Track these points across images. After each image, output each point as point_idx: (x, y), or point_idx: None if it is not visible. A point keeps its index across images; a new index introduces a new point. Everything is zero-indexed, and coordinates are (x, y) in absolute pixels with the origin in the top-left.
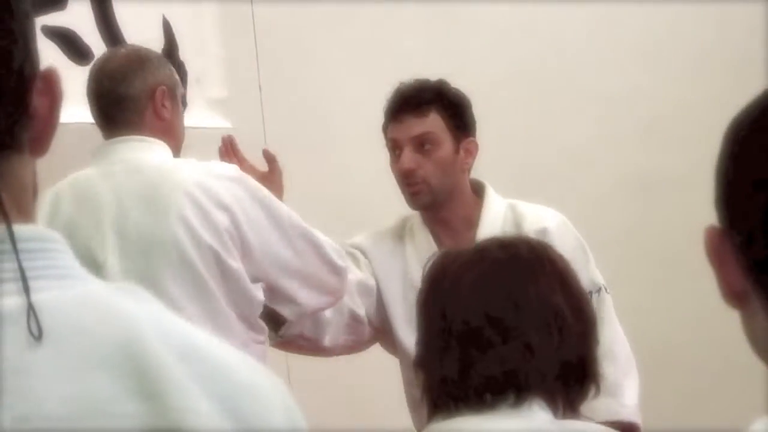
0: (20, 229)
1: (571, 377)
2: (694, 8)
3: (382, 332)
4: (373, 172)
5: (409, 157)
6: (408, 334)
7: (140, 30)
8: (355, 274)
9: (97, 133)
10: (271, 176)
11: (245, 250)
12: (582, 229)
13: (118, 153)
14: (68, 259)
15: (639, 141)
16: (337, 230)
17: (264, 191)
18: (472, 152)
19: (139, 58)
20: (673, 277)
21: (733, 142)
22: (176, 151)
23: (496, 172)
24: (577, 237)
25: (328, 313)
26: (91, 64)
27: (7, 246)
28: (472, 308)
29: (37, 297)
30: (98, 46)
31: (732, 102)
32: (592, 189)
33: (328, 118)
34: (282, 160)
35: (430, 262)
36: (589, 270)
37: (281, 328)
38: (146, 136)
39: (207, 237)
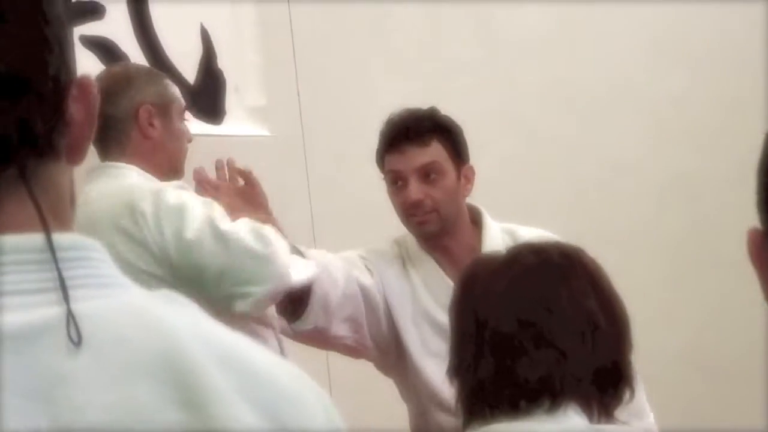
0: (59, 237)
1: (606, 381)
2: (741, 10)
3: (389, 354)
4: None
5: (416, 188)
6: (420, 358)
7: (178, 38)
8: (364, 279)
9: None
10: (251, 189)
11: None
12: (630, 235)
13: (93, 181)
14: (108, 268)
15: (684, 145)
16: (375, 237)
17: (173, 200)
18: (470, 179)
19: (126, 77)
20: (722, 279)
21: None
22: (169, 165)
23: (544, 182)
24: None
25: (334, 302)
26: None
27: (47, 255)
28: (504, 314)
29: (77, 306)
30: (136, 55)
31: (762, 100)
32: (639, 195)
33: (367, 124)
34: (321, 168)
35: (465, 267)
36: None
37: (296, 321)
38: (129, 157)
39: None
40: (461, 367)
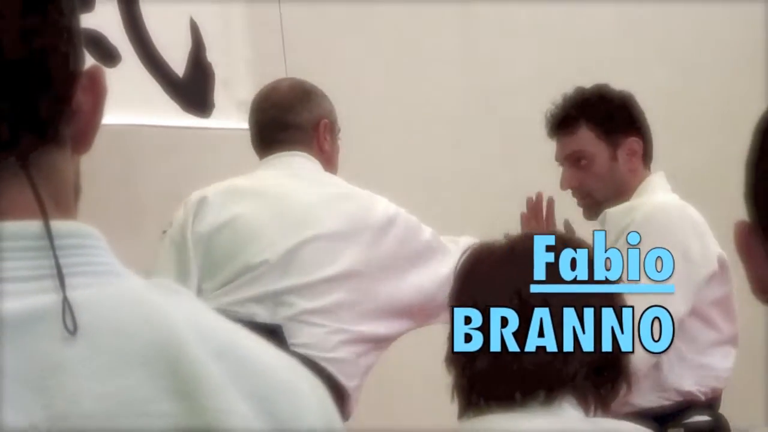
0: (57, 225)
1: (603, 375)
2: (717, 7)
3: None
4: (400, 173)
5: (567, 175)
6: None
7: (167, 31)
8: None
9: (131, 135)
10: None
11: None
12: None
13: (288, 163)
14: (106, 256)
15: (668, 139)
16: None
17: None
18: (635, 151)
19: (305, 90)
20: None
21: (761, 136)
22: None
23: (523, 172)
24: (662, 229)
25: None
26: (254, 96)
27: (45, 242)
28: (503, 306)
29: (73, 294)
30: (125, 48)
31: (762, 98)
32: None
33: (356, 118)
34: None
35: (463, 257)
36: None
37: None
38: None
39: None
40: (458, 356)
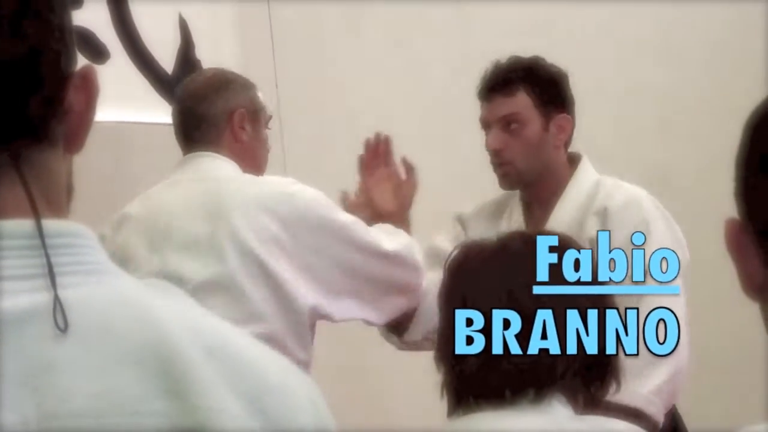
0: (49, 224)
1: (592, 373)
2: (709, 3)
3: None
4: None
5: (495, 136)
6: None
7: (157, 29)
8: None
9: (120, 132)
10: (407, 184)
11: (292, 264)
12: None
13: (190, 165)
14: (97, 255)
15: (656, 136)
16: None
17: (319, 209)
18: (565, 128)
19: (222, 80)
20: (693, 271)
21: (751, 133)
22: (255, 172)
23: None
24: (643, 218)
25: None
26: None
27: (36, 241)
28: (491, 304)
29: (64, 293)
30: (114, 45)
31: (750, 96)
32: None
33: (345, 117)
34: (298, 160)
35: (453, 254)
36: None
37: (404, 333)
38: (223, 155)
39: (254, 243)
40: (448, 354)
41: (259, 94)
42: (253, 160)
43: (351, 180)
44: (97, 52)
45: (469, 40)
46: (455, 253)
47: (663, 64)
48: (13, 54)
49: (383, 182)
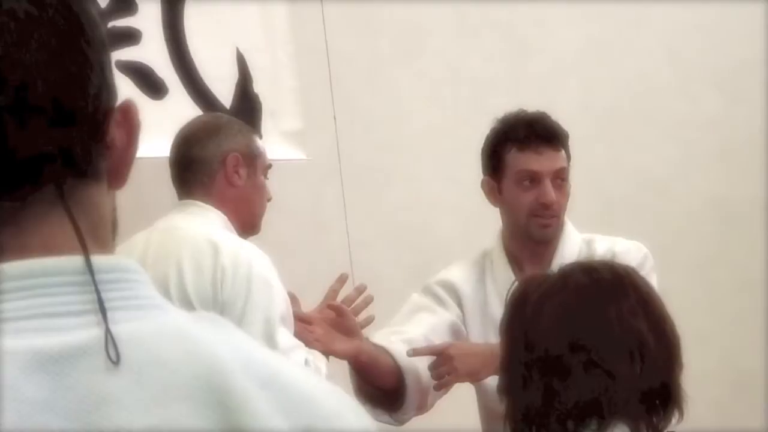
0: (98, 260)
1: (655, 402)
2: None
3: None
4: (446, 202)
5: (551, 189)
6: None
7: (214, 63)
8: (445, 317)
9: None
10: (343, 319)
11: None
12: (663, 255)
13: (171, 217)
14: (147, 290)
15: (717, 167)
16: (410, 261)
17: (256, 282)
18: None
19: (216, 124)
20: (751, 302)
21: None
22: (250, 219)
23: (573, 201)
24: (645, 254)
25: (424, 378)
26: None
27: (87, 277)
28: (554, 336)
29: (115, 328)
30: (172, 80)
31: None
32: (672, 216)
33: (403, 147)
34: (357, 192)
35: (514, 287)
36: None
37: (397, 412)
38: (213, 200)
39: (191, 290)
40: (511, 387)
41: (258, 142)
42: (246, 206)
43: (411, 206)
44: (156, 88)
45: (527, 69)
46: (516, 285)
47: (725, 95)
48: (53, 90)
49: (335, 322)
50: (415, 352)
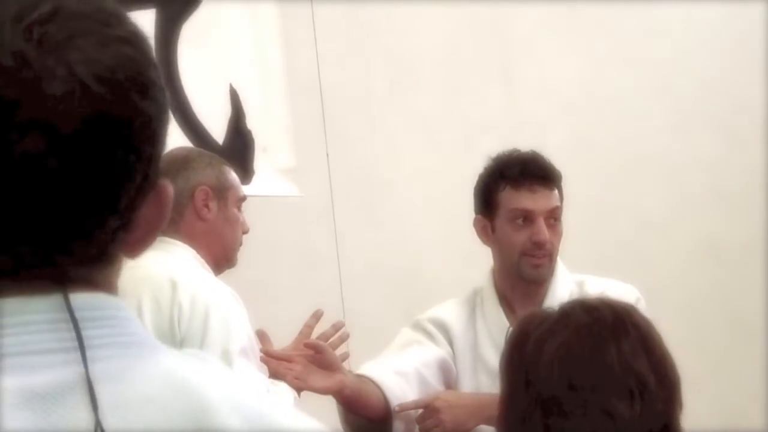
0: (80, 297)
1: None
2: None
3: None
4: (438, 240)
5: (544, 228)
6: None
7: (207, 99)
8: (436, 352)
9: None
10: (322, 356)
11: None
12: (658, 295)
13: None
14: (132, 327)
15: (710, 207)
16: (401, 298)
17: (214, 320)
18: None
19: (184, 158)
20: (747, 344)
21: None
22: (223, 252)
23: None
24: (637, 298)
25: (412, 413)
26: None
27: (66, 315)
28: (554, 377)
29: (97, 366)
30: None
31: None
32: (665, 256)
33: (396, 185)
34: (350, 228)
35: (515, 325)
36: None
37: None
38: (182, 236)
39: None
40: (507, 422)
41: (230, 174)
42: (217, 239)
43: (403, 245)
44: None
45: (515, 101)
46: (517, 322)
47: (716, 135)
48: (98, 179)
49: (314, 359)
50: (401, 408)
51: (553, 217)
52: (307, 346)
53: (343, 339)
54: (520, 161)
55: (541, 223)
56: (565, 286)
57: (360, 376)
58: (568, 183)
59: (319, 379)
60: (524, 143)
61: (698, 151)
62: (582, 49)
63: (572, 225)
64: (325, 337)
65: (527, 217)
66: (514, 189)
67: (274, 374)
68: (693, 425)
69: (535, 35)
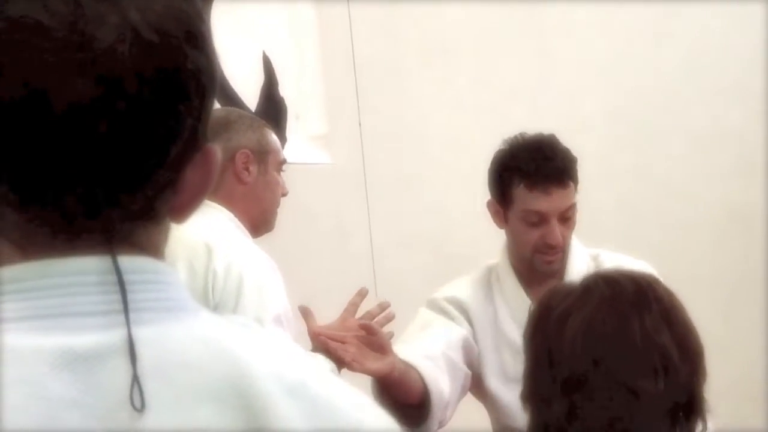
0: (126, 260)
1: (678, 415)
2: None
3: (474, 379)
4: (468, 208)
5: (558, 230)
6: (499, 385)
7: (240, 66)
8: (458, 332)
9: None
10: (373, 337)
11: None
12: (679, 263)
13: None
14: (177, 292)
15: (733, 175)
16: (432, 266)
17: (248, 285)
18: None
19: (225, 120)
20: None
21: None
22: (262, 216)
23: (599, 212)
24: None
25: (446, 391)
26: None
27: (112, 277)
28: (577, 353)
29: (141, 330)
30: None
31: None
32: (695, 227)
33: (426, 154)
34: (381, 196)
35: (540, 299)
36: None
37: (420, 425)
38: (221, 198)
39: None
40: (533, 398)
41: (271, 137)
42: (257, 203)
43: (434, 211)
44: None
45: (546, 71)
46: (542, 296)
47: (741, 104)
48: (147, 127)
49: (366, 340)
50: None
51: (568, 214)
52: (362, 327)
53: (389, 319)
54: (536, 156)
55: (554, 224)
56: (582, 260)
57: (404, 362)
58: (600, 153)
59: (373, 361)
60: (557, 113)
61: (722, 120)
62: (616, 20)
63: (603, 195)
64: (370, 316)
65: (541, 218)
66: (528, 189)
67: (324, 351)
68: (725, 394)
69: (570, 5)
